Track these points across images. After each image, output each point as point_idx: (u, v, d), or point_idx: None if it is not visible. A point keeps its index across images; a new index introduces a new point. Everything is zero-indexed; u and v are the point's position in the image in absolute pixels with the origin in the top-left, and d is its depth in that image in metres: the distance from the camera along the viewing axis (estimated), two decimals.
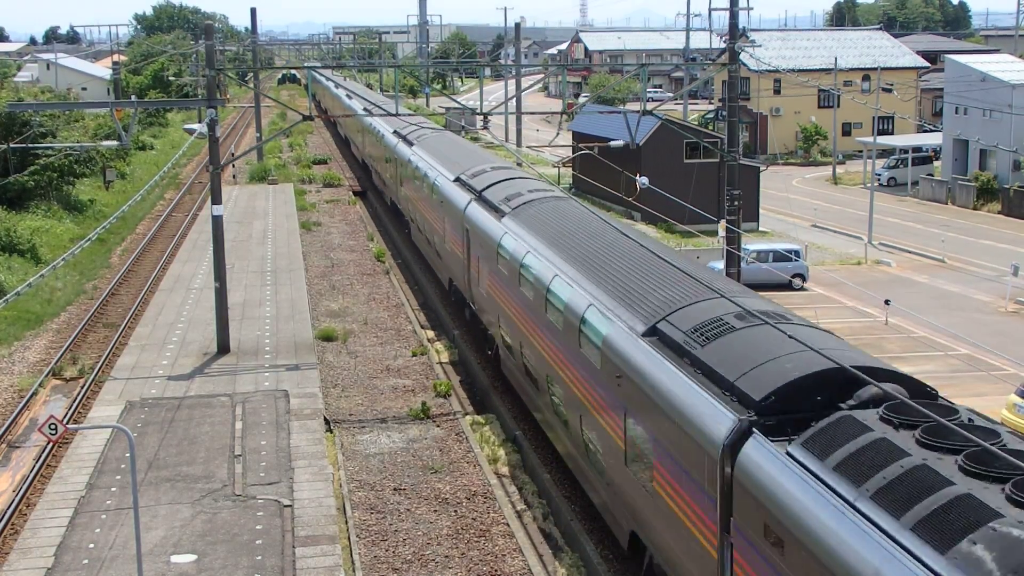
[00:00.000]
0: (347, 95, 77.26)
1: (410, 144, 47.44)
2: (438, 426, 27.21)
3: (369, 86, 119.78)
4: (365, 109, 62.53)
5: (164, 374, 29.94)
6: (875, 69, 68.57)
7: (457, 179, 35.80)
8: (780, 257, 42.30)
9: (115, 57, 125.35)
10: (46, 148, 53.23)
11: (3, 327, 35.90)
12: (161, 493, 21.98)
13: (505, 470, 24.31)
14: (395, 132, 52.91)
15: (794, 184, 74.66)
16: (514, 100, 72.65)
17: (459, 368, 32.35)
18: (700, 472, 14.35)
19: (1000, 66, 67.81)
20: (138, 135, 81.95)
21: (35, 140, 52.97)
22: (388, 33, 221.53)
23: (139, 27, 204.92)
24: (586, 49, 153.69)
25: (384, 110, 50.65)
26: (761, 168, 58.45)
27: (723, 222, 34.78)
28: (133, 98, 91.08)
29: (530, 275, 24.40)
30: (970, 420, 12.42)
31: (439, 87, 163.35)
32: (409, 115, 47.50)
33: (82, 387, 30.00)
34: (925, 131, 77.06)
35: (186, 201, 65.07)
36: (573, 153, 66.71)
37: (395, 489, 23.37)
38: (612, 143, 44.04)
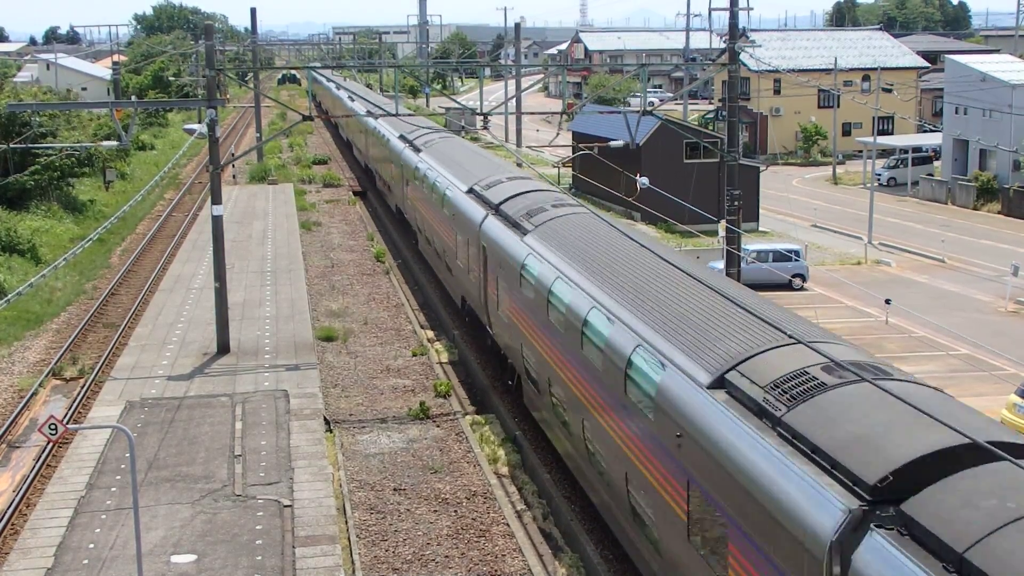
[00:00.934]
0: (368, 112, 59.58)
1: (493, 207, 29.58)
2: (438, 426, 27.21)
3: (369, 86, 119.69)
4: (402, 137, 49.14)
5: (164, 374, 29.93)
6: (875, 69, 68.54)
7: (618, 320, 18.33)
8: (780, 257, 42.29)
9: (115, 57, 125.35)
10: (46, 148, 53.24)
11: (3, 327, 35.90)
12: (161, 493, 21.97)
13: (505, 470, 24.31)
14: (471, 193, 32.96)
15: (794, 184, 74.65)
16: (514, 100, 72.69)
17: (459, 368, 32.35)
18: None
19: (1000, 66, 67.79)
20: (138, 135, 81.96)
21: (35, 140, 52.96)
22: (388, 33, 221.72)
23: (139, 27, 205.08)
24: (586, 49, 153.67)
25: (452, 161, 38.48)
26: (761, 168, 58.45)
27: (723, 222, 34.79)
28: (133, 98, 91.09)
29: None
30: None
31: (439, 87, 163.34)
32: (409, 115, 44.60)
33: (82, 387, 30.00)
34: (925, 131, 77.00)
35: (186, 201, 65.07)
36: (573, 153, 66.72)
37: (395, 489, 23.37)
38: (612, 143, 44.08)
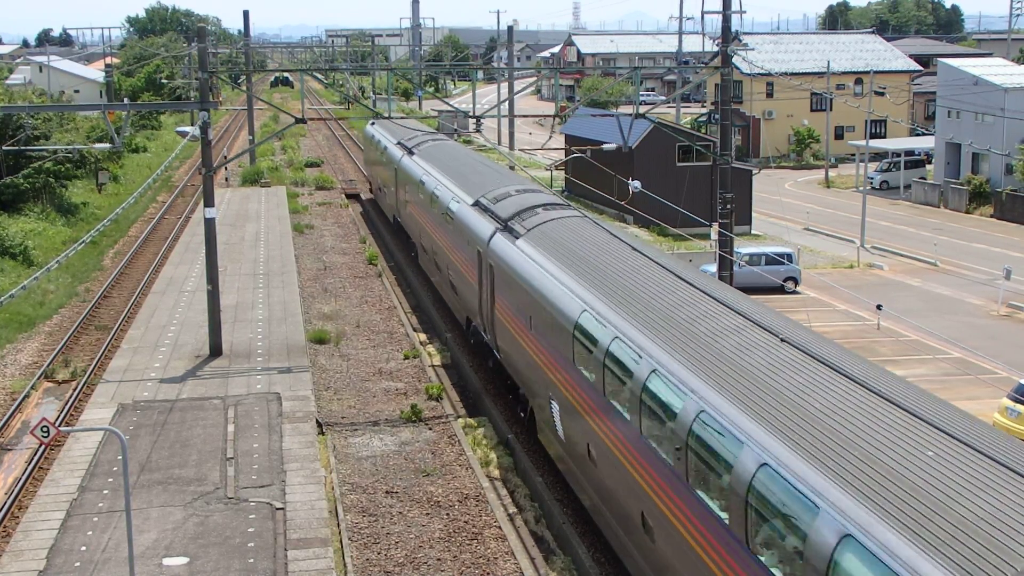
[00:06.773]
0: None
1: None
2: (430, 429, 27.21)
3: (362, 88, 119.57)
4: (481, 208, 30.42)
5: (156, 377, 29.90)
6: (868, 72, 68.75)
7: None
8: (772, 260, 42.32)
9: (108, 60, 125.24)
10: (39, 150, 53.15)
11: None
12: (153, 496, 21.96)
13: (497, 473, 24.32)
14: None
15: (787, 187, 74.73)
16: (507, 103, 72.63)
17: (451, 371, 32.35)
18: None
19: (992, 69, 67.95)
20: (131, 138, 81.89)
21: (28, 142, 52.86)
22: (381, 36, 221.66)
23: (132, 29, 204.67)
24: (579, 52, 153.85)
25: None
26: (754, 171, 58.50)
27: (716, 225, 34.81)
28: (126, 101, 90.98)
29: None
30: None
31: (432, 90, 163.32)
32: (401, 117, 44.04)
33: (74, 390, 29.97)
34: (918, 135, 77.17)
35: (179, 204, 65.01)
36: (566, 156, 66.74)
37: (387, 492, 23.37)
38: (605, 146, 44.08)
